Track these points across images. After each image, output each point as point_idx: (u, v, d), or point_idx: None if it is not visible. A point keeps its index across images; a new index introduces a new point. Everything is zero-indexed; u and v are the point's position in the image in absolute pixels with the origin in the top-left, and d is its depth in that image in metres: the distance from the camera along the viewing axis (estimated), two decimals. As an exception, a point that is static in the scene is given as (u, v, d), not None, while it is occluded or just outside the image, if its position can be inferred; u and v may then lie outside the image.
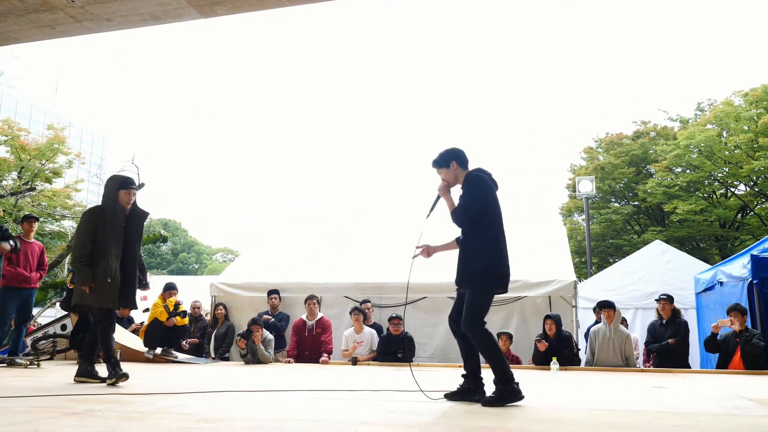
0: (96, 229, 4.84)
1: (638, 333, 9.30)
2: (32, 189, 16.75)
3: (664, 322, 7.63)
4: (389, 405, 3.73)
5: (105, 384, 4.80)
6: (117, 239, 4.89)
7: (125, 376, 4.82)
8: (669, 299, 7.69)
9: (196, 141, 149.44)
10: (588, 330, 8.00)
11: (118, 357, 7.65)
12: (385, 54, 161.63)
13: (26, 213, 16.64)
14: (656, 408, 3.79)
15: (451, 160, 4.12)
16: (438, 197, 4.19)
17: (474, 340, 3.88)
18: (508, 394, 3.71)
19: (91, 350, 5.15)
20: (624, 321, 8.54)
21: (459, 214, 3.96)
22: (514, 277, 8.21)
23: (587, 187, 17.89)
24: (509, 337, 7.76)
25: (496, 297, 8.34)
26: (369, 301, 8.61)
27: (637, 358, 8.06)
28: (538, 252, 9.46)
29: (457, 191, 4.16)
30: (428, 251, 4.42)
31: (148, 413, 3.25)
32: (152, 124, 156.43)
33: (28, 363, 6.49)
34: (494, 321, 8.57)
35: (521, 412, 3.49)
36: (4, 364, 6.52)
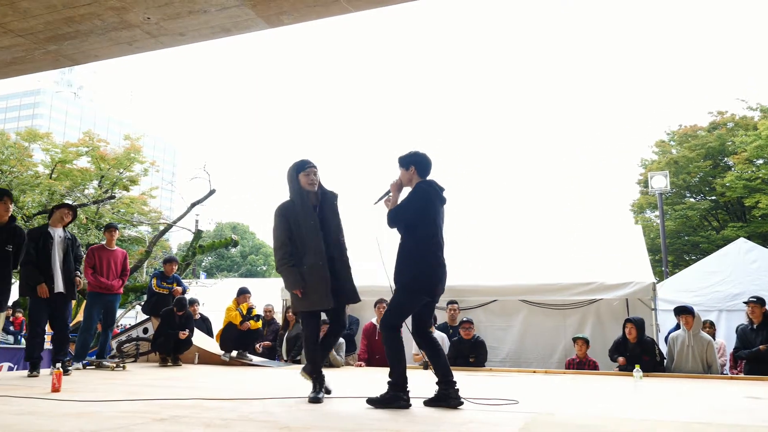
0: (290, 225, 4.36)
1: (723, 336, 8.80)
2: (112, 197, 17.58)
3: (754, 326, 7.16)
4: (466, 414, 3.65)
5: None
6: (315, 230, 4.34)
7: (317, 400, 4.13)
8: (759, 302, 7.22)
9: (262, 146, 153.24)
10: (668, 334, 7.65)
11: (196, 360, 7.97)
12: (454, 52, 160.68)
13: (107, 221, 17.51)
14: (758, 422, 3.54)
15: (412, 164, 4.19)
16: (388, 191, 4.27)
17: (385, 338, 4.00)
18: (394, 399, 3.84)
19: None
20: (711, 325, 8.10)
21: (390, 216, 4.10)
22: (588, 279, 8.07)
23: (661, 182, 17.17)
24: (585, 341, 7.50)
25: (571, 299, 8.20)
26: (456, 302, 8.46)
27: (723, 365, 7.63)
28: (612, 252, 9.13)
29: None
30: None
31: (231, 420, 3.31)
32: (220, 130, 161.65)
33: (115, 365, 6.79)
34: (568, 324, 8.35)
35: (614, 425, 3.34)
36: (93, 366, 6.85)
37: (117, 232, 7.79)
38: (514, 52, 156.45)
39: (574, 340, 7.59)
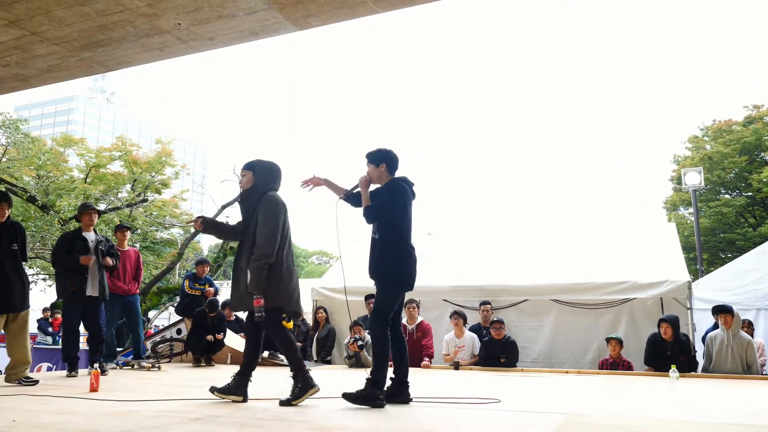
0: (284, 221, 4.24)
1: (761, 336, 8.55)
2: (145, 200, 17.92)
3: (795, 325, 6.96)
4: (501, 415, 3.62)
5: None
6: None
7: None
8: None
9: (288, 147, 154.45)
10: (705, 334, 7.47)
11: (228, 360, 8.06)
12: (477, 52, 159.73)
13: (140, 224, 17.80)
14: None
15: (382, 161, 4.24)
16: (356, 186, 4.31)
17: (373, 335, 4.14)
18: (372, 397, 3.88)
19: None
20: (750, 324, 7.89)
21: (372, 213, 4.14)
22: (621, 278, 7.94)
23: (695, 178, 16.76)
24: (619, 342, 7.37)
25: (603, 299, 8.07)
26: (489, 303, 8.39)
27: (763, 365, 7.42)
28: (645, 251, 8.95)
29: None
30: (317, 181, 4.49)
31: (266, 420, 3.34)
32: (248, 133, 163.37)
33: (151, 366, 6.92)
34: (601, 324, 8.21)
35: (652, 426, 3.28)
36: (129, 367, 6.99)
37: (129, 232, 7.89)
38: (550, 47, 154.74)
39: (608, 340, 7.47)
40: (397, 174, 4.30)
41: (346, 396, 3.92)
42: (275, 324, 4.13)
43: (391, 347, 4.13)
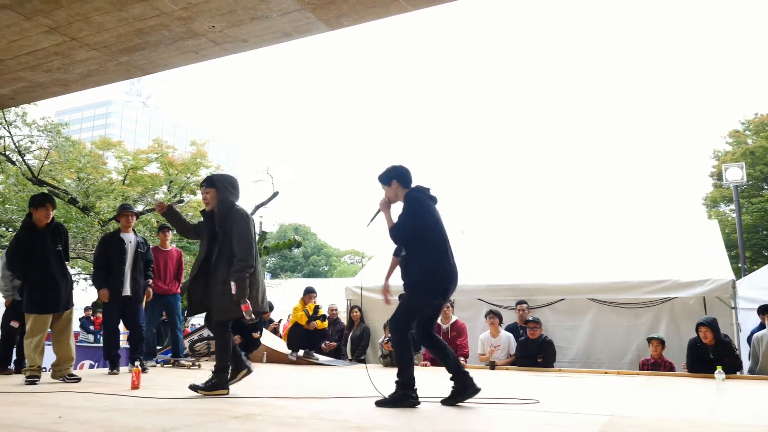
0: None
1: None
2: (181, 201, 18.21)
3: None
4: (541, 417, 3.56)
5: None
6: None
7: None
8: None
9: (322, 147, 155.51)
10: (751, 334, 7.24)
11: (264, 359, 8.15)
12: (508, 51, 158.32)
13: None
14: None
15: (392, 178, 4.24)
16: (378, 210, 4.30)
17: (395, 341, 4.11)
18: (403, 398, 3.85)
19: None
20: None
21: (395, 233, 4.12)
22: (662, 276, 7.75)
23: (736, 174, 16.26)
24: (661, 342, 7.19)
25: (643, 298, 7.89)
26: (525, 302, 8.29)
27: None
28: (686, 248, 8.73)
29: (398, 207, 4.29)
30: (387, 295, 4.55)
31: (303, 418, 3.35)
32: (281, 133, 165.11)
33: (191, 364, 7.03)
34: (640, 324, 8.03)
35: (701, 429, 3.18)
36: (170, 365, 7.11)
37: (171, 233, 8.00)
38: (589, 42, 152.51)
39: (649, 340, 7.29)
40: (415, 183, 4.28)
41: (380, 403, 3.88)
42: (224, 326, 4.49)
43: (432, 351, 4.15)
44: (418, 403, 3.87)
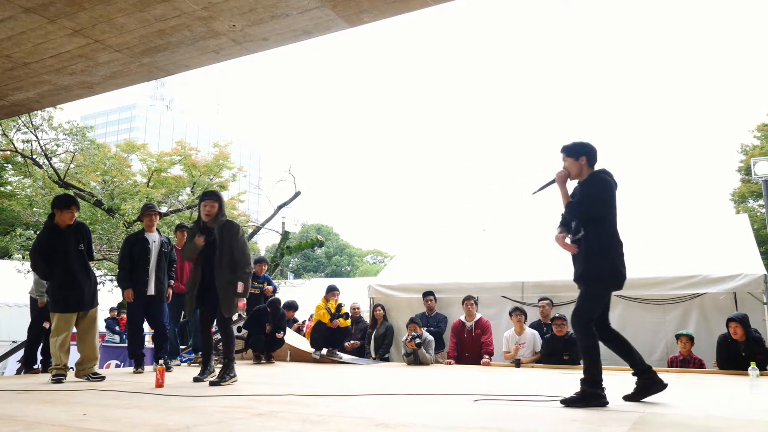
0: None
1: None
2: (203, 202, 18.35)
3: None
4: (569, 413, 3.48)
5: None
6: None
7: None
8: None
9: (343, 147, 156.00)
10: (784, 330, 7.04)
11: (288, 358, 8.15)
12: (526, 50, 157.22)
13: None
14: None
15: (582, 154, 4.06)
16: (552, 181, 4.13)
17: (578, 337, 3.96)
18: (592, 396, 3.71)
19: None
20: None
21: (583, 210, 3.96)
22: (691, 272, 7.58)
23: (765, 168, 15.88)
24: (690, 338, 7.03)
25: (671, 294, 7.71)
26: (547, 299, 8.18)
27: None
28: (716, 243, 8.52)
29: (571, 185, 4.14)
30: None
31: (327, 416, 3.32)
32: (302, 134, 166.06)
33: (215, 362, 7.04)
34: (669, 320, 7.87)
35: (737, 426, 3.07)
36: (196, 364, 7.15)
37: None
38: (616, 35, 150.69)
39: (678, 336, 7.14)
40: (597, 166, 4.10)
41: (568, 402, 3.72)
42: (230, 321, 5.31)
43: (612, 345, 3.97)
44: (607, 402, 3.72)
